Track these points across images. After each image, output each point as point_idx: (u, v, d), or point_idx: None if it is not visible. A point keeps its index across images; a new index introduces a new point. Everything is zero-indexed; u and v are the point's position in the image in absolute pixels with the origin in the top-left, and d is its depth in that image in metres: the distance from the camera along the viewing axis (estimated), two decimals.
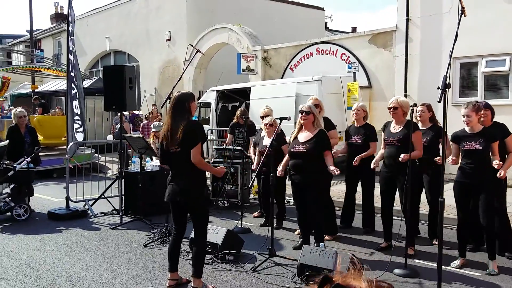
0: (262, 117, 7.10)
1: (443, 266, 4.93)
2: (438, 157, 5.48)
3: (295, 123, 9.08)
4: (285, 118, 5.90)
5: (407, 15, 11.02)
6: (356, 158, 6.07)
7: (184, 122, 4.20)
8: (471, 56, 9.97)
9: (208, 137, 11.96)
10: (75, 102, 8.34)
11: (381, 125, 5.88)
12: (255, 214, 7.50)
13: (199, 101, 13.29)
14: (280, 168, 5.77)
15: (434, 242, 5.89)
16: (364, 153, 6.12)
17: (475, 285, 4.60)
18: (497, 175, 4.84)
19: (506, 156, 5.32)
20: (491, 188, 4.90)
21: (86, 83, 15.65)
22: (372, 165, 5.88)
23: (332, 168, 5.16)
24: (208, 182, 7.76)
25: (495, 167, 4.73)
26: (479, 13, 9.46)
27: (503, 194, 5.41)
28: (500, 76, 9.85)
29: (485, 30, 9.65)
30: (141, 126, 12.25)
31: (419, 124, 5.91)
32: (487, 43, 9.72)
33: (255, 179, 6.28)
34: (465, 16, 4.08)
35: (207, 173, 4.53)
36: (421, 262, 5.26)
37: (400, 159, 5.12)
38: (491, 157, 4.86)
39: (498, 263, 5.07)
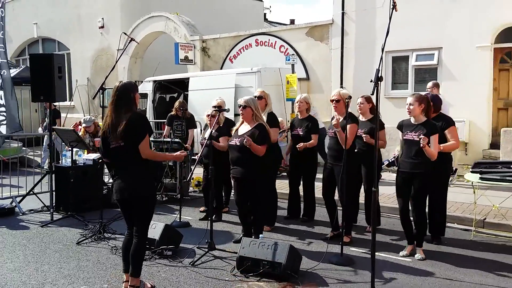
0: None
1: (384, 254, 5.15)
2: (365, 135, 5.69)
3: (234, 114, 9.15)
4: (224, 110, 5.85)
5: (343, 8, 11.28)
6: (300, 144, 6.14)
7: (128, 114, 3.94)
8: (403, 50, 10.41)
9: None
10: (0, 92, 7.79)
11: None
12: (201, 208, 7.29)
13: None
14: None
15: (367, 229, 6.10)
16: (307, 143, 6.16)
17: (406, 271, 4.77)
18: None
19: None
20: (427, 180, 5.03)
21: (13, 72, 14.70)
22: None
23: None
24: None
25: (421, 145, 4.83)
26: (410, 8, 9.87)
27: (442, 185, 5.60)
28: (429, 69, 10.36)
29: (416, 25, 10.09)
30: None
31: (360, 116, 6.05)
32: (417, 37, 10.16)
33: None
34: (396, 11, 4.18)
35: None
36: (357, 250, 5.42)
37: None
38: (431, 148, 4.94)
39: (427, 247, 5.32)
